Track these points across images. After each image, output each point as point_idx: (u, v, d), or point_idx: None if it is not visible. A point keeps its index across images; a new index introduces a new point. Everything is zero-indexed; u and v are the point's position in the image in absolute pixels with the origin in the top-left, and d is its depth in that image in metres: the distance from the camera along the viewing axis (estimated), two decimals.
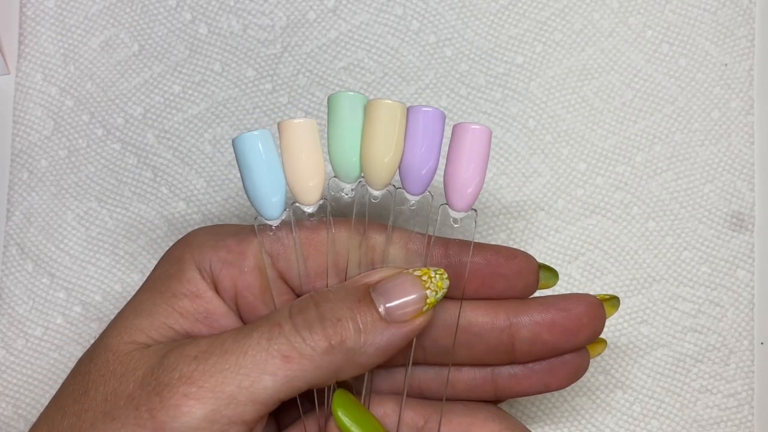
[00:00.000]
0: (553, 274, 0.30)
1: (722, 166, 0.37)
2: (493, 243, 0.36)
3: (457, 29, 0.38)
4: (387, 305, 0.25)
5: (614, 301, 0.29)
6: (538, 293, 0.29)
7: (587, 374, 0.36)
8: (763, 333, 0.37)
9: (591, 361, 0.36)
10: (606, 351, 0.36)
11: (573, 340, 0.28)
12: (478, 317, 0.28)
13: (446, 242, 0.27)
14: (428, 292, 0.25)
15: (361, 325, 0.24)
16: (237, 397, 0.23)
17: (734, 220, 0.37)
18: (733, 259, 0.37)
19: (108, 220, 0.37)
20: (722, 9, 0.38)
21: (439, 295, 0.25)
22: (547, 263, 0.37)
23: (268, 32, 0.38)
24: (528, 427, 0.36)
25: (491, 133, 0.25)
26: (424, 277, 0.25)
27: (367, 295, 0.25)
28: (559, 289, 0.37)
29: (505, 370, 0.28)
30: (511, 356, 0.28)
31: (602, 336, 0.35)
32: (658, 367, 0.36)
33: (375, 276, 0.26)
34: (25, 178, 0.37)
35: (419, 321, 0.25)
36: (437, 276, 0.26)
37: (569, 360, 0.28)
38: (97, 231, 0.37)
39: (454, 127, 0.25)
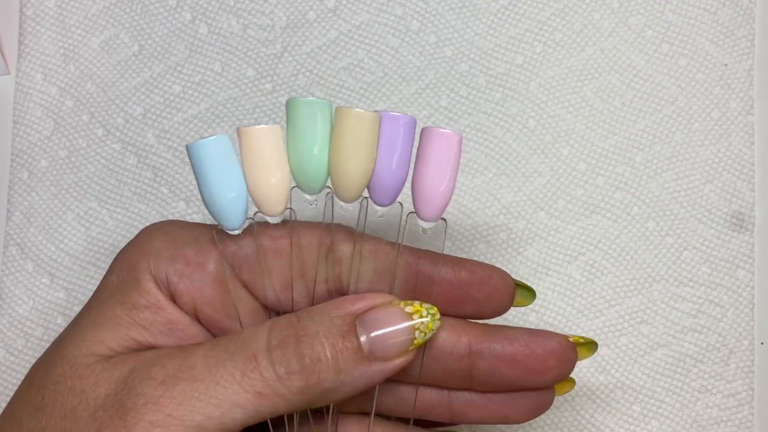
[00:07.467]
0: (530, 293, 0.28)
1: (722, 166, 0.37)
2: (493, 243, 0.37)
3: (457, 29, 0.38)
4: (371, 339, 0.23)
5: (591, 345, 0.28)
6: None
7: (587, 374, 0.36)
8: (763, 333, 0.37)
9: (591, 361, 0.36)
10: (606, 351, 0.36)
11: (536, 380, 0.26)
12: (438, 338, 0.25)
13: (417, 254, 0.26)
14: (417, 333, 0.23)
15: (341, 365, 0.23)
16: (205, 426, 0.22)
17: (734, 220, 0.37)
18: (733, 259, 0.37)
19: (108, 220, 0.37)
20: (722, 9, 0.38)
21: (428, 336, 0.24)
22: (547, 263, 0.37)
23: (268, 32, 0.38)
24: (528, 426, 0.36)
25: (461, 138, 0.24)
26: (415, 315, 0.24)
27: (352, 330, 0.23)
28: (560, 289, 0.37)
29: (462, 396, 0.27)
30: (468, 383, 0.26)
31: (598, 341, 0.35)
32: (658, 367, 0.36)
33: (361, 303, 0.24)
34: (25, 178, 0.37)
35: (399, 361, 0.24)
36: (429, 316, 0.24)
37: (532, 395, 0.27)
38: (97, 231, 0.37)
39: (422, 131, 0.24)
